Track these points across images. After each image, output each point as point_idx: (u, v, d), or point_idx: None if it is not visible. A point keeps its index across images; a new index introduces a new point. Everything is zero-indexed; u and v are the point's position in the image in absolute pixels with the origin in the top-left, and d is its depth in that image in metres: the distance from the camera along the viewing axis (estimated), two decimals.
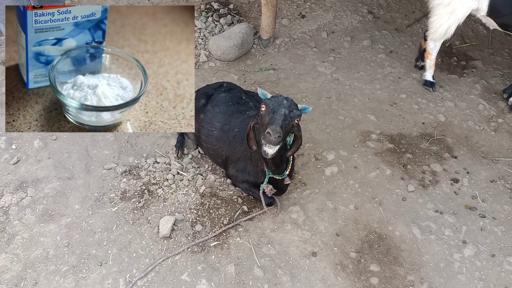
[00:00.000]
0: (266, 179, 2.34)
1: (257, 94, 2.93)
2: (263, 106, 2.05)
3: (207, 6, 4.37)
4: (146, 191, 2.56)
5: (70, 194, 2.48)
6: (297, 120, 2.04)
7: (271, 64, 3.78)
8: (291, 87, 3.53)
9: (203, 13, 4.26)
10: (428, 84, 3.57)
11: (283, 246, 2.35)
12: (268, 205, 2.44)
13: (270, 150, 1.99)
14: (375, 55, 3.98)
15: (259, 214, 2.48)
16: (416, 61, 3.78)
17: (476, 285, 2.25)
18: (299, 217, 2.49)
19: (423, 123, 3.28)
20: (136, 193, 2.54)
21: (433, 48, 3.40)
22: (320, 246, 2.37)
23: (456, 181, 2.83)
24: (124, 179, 2.61)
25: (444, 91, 3.60)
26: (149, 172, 2.67)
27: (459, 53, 4.06)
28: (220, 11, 4.33)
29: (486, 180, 2.86)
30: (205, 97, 2.72)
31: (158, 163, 2.75)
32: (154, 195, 2.54)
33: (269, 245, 2.35)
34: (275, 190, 2.40)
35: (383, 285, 2.22)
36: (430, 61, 3.48)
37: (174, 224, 2.36)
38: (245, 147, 2.45)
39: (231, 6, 4.40)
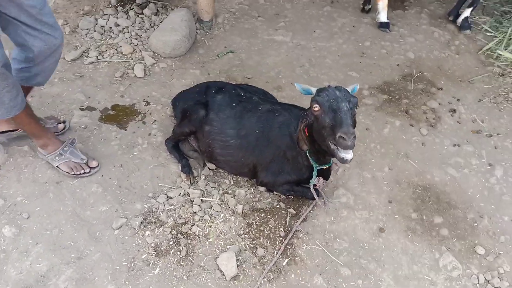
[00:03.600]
0: (315, 173, 2.19)
1: (248, 85, 2.71)
2: (316, 105, 1.83)
3: None
4: (179, 235, 2.21)
5: (94, 277, 2.01)
6: (357, 108, 1.88)
7: (225, 47, 3.49)
8: (259, 66, 3.32)
9: (119, 8, 3.68)
10: (384, 26, 3.68)
11: (351, 235, 2.28)
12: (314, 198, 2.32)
13: (348, 155, 1.77)
14: (320, 9, 3.93)
15: (310, 211, 2.35)
16: (364, 5, 3.85)
17: None
18: (349, 199, 2.43)
19: (398, 65, 3.40)
20: (170, 243, 2.17)
21: None
22: (382, 220, 2.35)
23: (453, 111, 3.03)
24: (147, 232, 2.20)
25: (399, 28, 3.75)
26: (169, 213, 2.30)
27: None
28: (136, 1, 3.79)
29: (474, 101, 3.13)
30: (202, 106, 2.38)
31: (172, 198, 2.38)
32: (192, 236, 2.21)
33: (337, 240, 2.25)
34: (325, 181, 2.27)
35: (453, 233, 2.32)
36: (383, 2, 3.57)
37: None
38: (274, 148, 2.25)
39: None
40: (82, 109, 2.83)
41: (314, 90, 1.94)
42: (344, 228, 2.30)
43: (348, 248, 2.22)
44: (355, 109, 1.84)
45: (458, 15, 3.72)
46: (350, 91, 1.92)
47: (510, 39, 3.59)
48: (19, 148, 2.51)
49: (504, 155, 2.75)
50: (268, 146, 2.27)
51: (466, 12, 3.60)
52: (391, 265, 2.16)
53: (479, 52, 3.54)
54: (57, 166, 2.39)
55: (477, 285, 2.12)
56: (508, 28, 3.65)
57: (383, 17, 3.66)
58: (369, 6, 3.84)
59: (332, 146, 1.79)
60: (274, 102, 2.49)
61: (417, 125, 2.91)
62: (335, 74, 3.27)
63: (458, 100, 3.12)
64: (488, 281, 2.14)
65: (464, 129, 2.92)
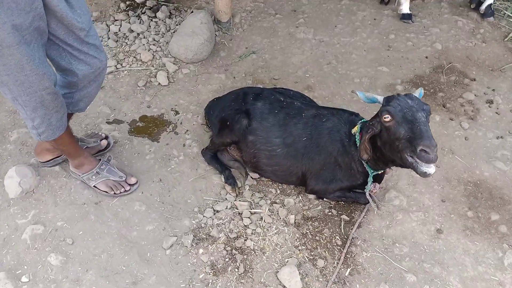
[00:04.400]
0: (371, 179, 2.14)
1: (283, 88, 2.65)
2: (387, 115, 1.77)
3: (126, 1, 3.67)
4: (234, 250, 2.14)
5: None
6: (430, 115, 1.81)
7: (247, 48, 3.41)
8: (284, 65, 3.26)
9: (130, 13, 3.58)
10: (406, 17, 3.64)
11: (410, 238, 2.24)
12: (367, 202, 2.28)
13: (431, 169, 1.68)
14: (338, 3, 3.88)
15: (364, 217, 2.30)
16: None
17: None
18: (402, 201, 2.39)
19: (426, 57, 3.36)
20: (226, 259, 2.11)
21: None
22: (439, 221, 2.32)
23: (491, 102, 3.01)
24: (201, 249, 2.13)
25: (421, 19, 3.72)
26: (219, 227, 2.24)
27: None
28: (147, 4, 3.68)
29: (510, 90, 3.11)
30: (243, 115, 2.30)
31: (219, 211, 2.31)
32: (247, 250, 2.15)
33: (397, 244, 2.21)
34: (380, 185, 2.23)
35: (511, 229, 2.30)
36: None
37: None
38: (325, 155, 2.20)
39: None
40: (109, 123, 2.74)
41: (380, 98, 1.88)
42: (402, 232, 2.26)
43: (409, 252, 2.18)
44: (429, 118, 1.78)
45: (480, 3, 3.69)
46: (420, 97, 1.87)
47: None
48: (50, 169, 2.42)
49: None
50: (318, 153, 2.21)
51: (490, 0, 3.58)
52: (455, 268, 2.13)
53: (505, 40, 3.53)
54: (94, 186, 2.30)
55: None
56: None
57: (405, 8, 3.61)
58: None
59: (410, 159, 1.73)
60: (317, 106, 2.43)
61: (457, 118, 2.88)
62: (364, 70, 3.22)
63: (493, 90, 3.10)
64: None
65: (504, 120, 2.89)
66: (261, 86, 2.92)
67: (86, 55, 1.80)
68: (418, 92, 1.92)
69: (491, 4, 3.62)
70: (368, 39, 3.51)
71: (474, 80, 3.17)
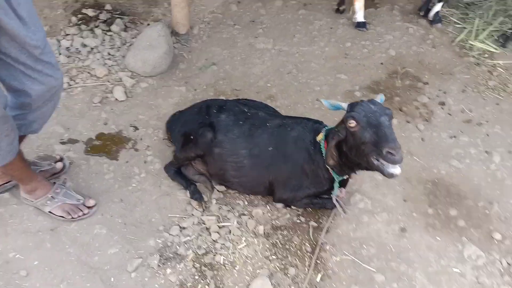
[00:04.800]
0: (337, 185, 2.19)
1: (246, 99, 2.67)
2: (352, 121, 1.82)
3: (78, 15, 3.58)
4: (203, 267, 2.11)
5: None
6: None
7: (206, 59, 3.41)
8: (245, 76, 3.28)
9: (83, 26, 3.49)
10: (361, 25, 3.79)
11: (376, 239, 2.30)
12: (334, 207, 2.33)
13: (397, 170, 1.75)
14: (294, 13, 3.98)
15: (331, 222, 2.35)
16: (338, 6, 3.93)
17: None
18: (366, 204, 2.45)
19: (382, 64, 3.51)
20: (196, 277, 2.07)
21: None
22: (402, 220, 2.40)
23: (443, 103, 3.18)
24: (168, 269, 2.08)
25: (375, 26, 3.88)
26: (187, 245, 2.19)
27: None
28: (100, 17, 3.61)
29: (459, 92, 3.30)
30: (208, 128, 2.29)
31: (186, 228, 2.27)
32: (217, 266, 2.12)
33: (364, 246, 2.27)
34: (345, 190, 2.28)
35: (469, 223, 2.42)
36: (359, 3, 3.67)
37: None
38: (291, 164, 2.23)
39: (107, 7, 3.71)
40: (63, 143, 2.63)
41: (344, 105, 1.94)
42: (368, 234, 2.32)
43: (377, 253, 2.24)
44: (391, 121, 1.85)
45: (428, 10, 3.91)
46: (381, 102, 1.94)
47: (478, 29, 3.84)
48: None
49: (497, 141, 2.92)
50: (284, 162, 2.24)
51: (437, 7, 3.79)
52: (420, 264, 2.21)
53: (452, 44, 3.75)
54: (49, 212, 2.19)
55: (501, 269, 2.22)
56: (475, 19, 3.90)
57: (360, 16, 3.76)
58: (344, 7, 3.93)
59: (376, 162, 1.78)
60: (282, 116, 2.47)
61: (413, 121, 3.01)
62: (324, 78, 3.31)
63: (444, 92, 3.27)
64: (510, 264, 2.25)
65: (456, 120, 3.06)
66: (224, 98, 2.92)
67: (40, 73, 1.72)
68: (380, 98, 2.00)
69: (438, 11, 3.84)
70: (326, 47, 3.61)
71: (427, 83, 3.34)
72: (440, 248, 2.29)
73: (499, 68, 3.51)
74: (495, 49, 3.68)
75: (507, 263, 2.26)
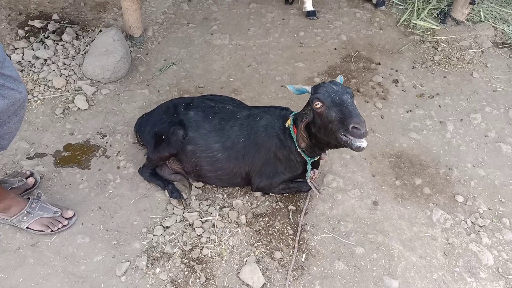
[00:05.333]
0: (309, 166, 2.31)
1: (212, 95, 2.73)
2: (318, 102, 1.93)
3: (25, 27, 3.46)
4: (192, 262, 2.16)
5: None
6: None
7: (165, 60, 3.42)
8: (207, 73, 3.33)
9: (32, 39, 3.38)
10: (311, 14, 3.94)
11: (352, 215, 2.45)
12: (310, 189, 2.46)
13: (363, 143, 1.84)
14: (246, 7, 4.05)
15: (308, 203, 2.47)
16: None
17: (472, 146, 2.92)
18: (339, 183, 2.60)
19: (335, 49, 3.68)
20: (186, 272, 2.11)
21: None
22: (373, 194, 2.57)
23: (396, 81, 3.40)
24: (158, 268, 2.11)
25: (324, 14, 4.04)
26: (172, 243, 2.23)
27: None
28: (48, 27, 3.50)
29: (409, 69, 3.54)
30: (179, 126, 2.33)
31: (169, 227, 2.31)
32: (205, 259, 2.18)
33: (342, 223, 2.41)
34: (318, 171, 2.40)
35: (433, 189, 2.63)
36: None
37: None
38: (264, 152, 2.32)
39: (55, 17, 3.62)
40: (30, 158, 2.57)
41: (308, 88, 2.04)
42: (344, 211, 2.47)
43: (354, 227, 2.39)
44: (353, 99, 1.98)
45: None
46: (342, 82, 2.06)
47: (419, 8, 4.11)
48: None
49: (448, 111, 3.17)
50: (257, 151, 2.32)
51: None
52: (395, 233, 2.38)
53: (398, 25, 3.99)
54: (27, 227, 2.15)
55: (467, 229, 2.44)
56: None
57: (309, 6, 3.90)
58: None
59: (344, 138, 1.90)
60: (249, 107, 2.54)
61: (371, 100, 3.20)
62: (283, 68, 3.42)
63: (396, 71, 3.49)
64: (473, 223, 2.48)
65: (410, 96, 3.29)
66: (188, 96, 2.95)
67: (2, 87, 1.69)
68: (339, 79, 2.12)
69: None
70: (281, 38, 3.73)
71: (379, 64, 3.55)
72: (410, 216, 2.48)
73: (442, 44, 3.79)
74: (436, 25, 3.96)
75: (471, 222, 2.48)
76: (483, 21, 3.99)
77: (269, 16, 3.96)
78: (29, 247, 2.13)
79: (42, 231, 2.15)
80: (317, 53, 3.61)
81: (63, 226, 2.19)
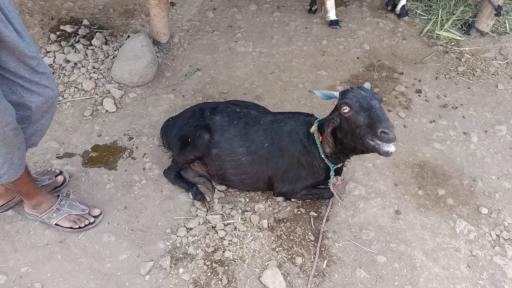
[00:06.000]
0: (333, 173, 2.31)
1: (237, 100, 2.76)
2: (345, 107, 1.94)
3: (56, 32, 3.58)
4: (214, 264, 2.18)
5: None
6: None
7: (190, 66, 3.48)
8: (231, 79, 3.38)
9: (63, 43, 3.49)
10: (334, 23, 3.96)
11: (374, 223, 2.44)
12: (332, 196, 2.46)
13: (392, 148, 1.85)
14: (270, 15, 4.10)
15: (330, 210, 2.47)
16: (311, 6, 4.09)
17: (497, 158, 2.88)
18: (361, 191, 2.59)
19: (358, 58, 3.68)
20: (208, 274, 2.14)
21: None
22: (396, 203, 2.55)
23: (419, 91, 3.38)
24: (181, 269, 2.14)
25: (347, 23, 4.06)
26: (195, 244, 2.26)
27: None
28: (79, 32, 3.62)
29: (433, 79, 3.51)
30: (205, 130, 2.37)
31: (192, 228, 2.34)
32: (227, 262, 2.20)
33: (363, 231, 2.40)
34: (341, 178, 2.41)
35: (457, 200, 2.60)
36: (331, 2, 3.84)
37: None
38: (288, 157, 2.33)
39: (85, 22, 3.73)
40: (59, 157, 2.65)
41: (336, 93, 2.06)
42: (366, 219, 2.46)
43: (376, 236, 2.38)
44: (381, 104, 1.99)
45: (395, 4, 4.13)
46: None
47: (442, 19, 4.09)
48: (2, 215, 2.28)
49: (472, 123, 3.14)
50: (281, 156, 2.34)
51: (403, 1, 4.02)
52: (417, 243, 2.36)
53: (421, 35, 3.98)
54: (55, 224, 2.21)
55: (492, 241, 2.40)
56: (438, 10, 4.16)
57: (332, 15, 3.93)
58: (316, 7, 4.10)
59: (372, 143, 1.90)
60: (273, 112, 2.57)
61: (394, 109, 3.19)
62: (306, 76, 3.44)
63: (419, 81, 3.48)
64: (498, 235, 2.43)
65: (433, 106, 3.26)
66: (213, 101, 3.00)
67: (38, 85, 1.76)
68: (367, 85, 2.14)
69: (404, 5, 4.07)
70: (303, 46, 3.76)
71: (402, 73, 3.54)
72: (433, 227, 2.45)
73: (466, 55, 3.76)
74: (460, 36, 3.93)
75: (496, 235, 2.44)
76: (509, 33, 3.94)
77: (292, 24, 4.00)
78: (57, 243, 2.19)
79: (71, 227, 2.21)
80: (340, 62, 3.62)
81: (90, 223, 2.25)
